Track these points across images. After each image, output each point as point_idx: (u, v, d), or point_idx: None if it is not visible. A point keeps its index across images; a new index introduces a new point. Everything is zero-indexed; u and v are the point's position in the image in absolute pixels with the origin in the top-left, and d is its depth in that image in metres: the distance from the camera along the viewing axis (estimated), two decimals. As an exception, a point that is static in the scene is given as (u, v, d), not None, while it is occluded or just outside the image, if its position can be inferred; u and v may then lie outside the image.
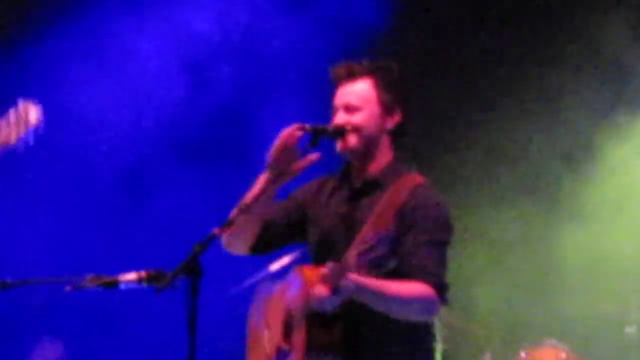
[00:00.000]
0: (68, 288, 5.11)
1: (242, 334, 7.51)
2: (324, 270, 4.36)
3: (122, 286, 4.92)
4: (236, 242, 4.95)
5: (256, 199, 4.64)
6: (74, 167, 8.23)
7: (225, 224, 4.60)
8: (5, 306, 7.03)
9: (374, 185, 4.76)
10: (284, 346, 4.80)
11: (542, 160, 8.50)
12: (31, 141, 5.45)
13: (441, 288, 4.56)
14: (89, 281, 4.96)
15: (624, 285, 8.11)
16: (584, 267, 8.16)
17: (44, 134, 5.74)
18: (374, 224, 4.50)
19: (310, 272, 4.63)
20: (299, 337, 4.68)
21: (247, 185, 5.33)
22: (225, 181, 8.13)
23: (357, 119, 4.78)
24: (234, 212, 4.71)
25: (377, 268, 4.49)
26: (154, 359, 7.74)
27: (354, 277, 4.38)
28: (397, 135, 4.82)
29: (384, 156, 4.83)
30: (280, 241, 5.07)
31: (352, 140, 4.73)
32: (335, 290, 4.39)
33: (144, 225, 8.15)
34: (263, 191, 4.68)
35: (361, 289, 4.42)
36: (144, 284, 4.86)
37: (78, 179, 8.24)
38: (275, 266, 7.03)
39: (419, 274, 4.52)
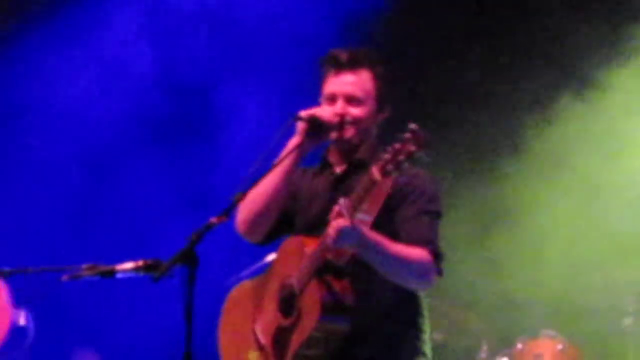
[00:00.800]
0: (64, 278, 5.13)
1: None
2: (336, 207, 4.37)
3: (119, 275, 4.89)
4: (259, 228, 4.95)
5: (290, 163, 4.69)
6: (41, 154, 8.29)
7: (223, 212, 4.54)
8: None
9: (358, 166, 4.77)
10: (285, 323, 4.73)
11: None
12: None
13: (437, 256, 4.60)
14: (85, 270, 4.96)
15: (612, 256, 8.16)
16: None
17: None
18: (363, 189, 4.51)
19: (306, 240, 4.66)
20: (310, 294, 4.63)
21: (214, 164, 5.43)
22: (192, 160, 8.24)
23: (358, 112, 4.80)
24: (235, 196, 4.56)
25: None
26: (150, 348, 7.76)
27: (365, 228, 4.41)
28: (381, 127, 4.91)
29: (369, 143, 4.86)
30: (279, 232, 5.05)
31: (350, 132, 4.77)
32: (351, 227, 4.36)
33: (111, 208, 8.23)
34: (297, 155, 4.71)
35: (368, 237, 4.44)
36: (141, 273, 4.84)
37: (45, 165, 8.29)
38: (271, 256, 6.97)
39: (417, 241, 4.58)
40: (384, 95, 4.90)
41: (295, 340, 4.71)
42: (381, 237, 4.54)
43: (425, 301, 4.97)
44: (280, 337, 4.79)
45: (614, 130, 8.33)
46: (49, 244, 8.03)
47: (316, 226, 4.74)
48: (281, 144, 4.91)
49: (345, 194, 4.57)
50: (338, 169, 4.90)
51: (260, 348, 4.89)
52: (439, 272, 4.68)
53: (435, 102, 8.98)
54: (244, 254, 7.02)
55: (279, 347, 4.85)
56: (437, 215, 4.71)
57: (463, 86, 8.82)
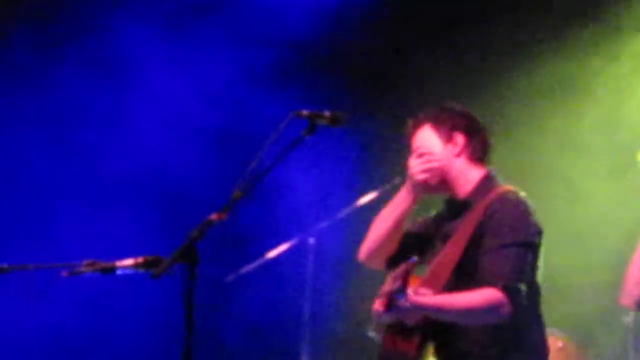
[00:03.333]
0: (65, 274, 5.22)
1: (238, 321, 8.01)
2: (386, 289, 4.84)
3: (119, 272, 4.87)
4: (381, 256, 5.37)
5: (404, 213, 5.26)
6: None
7: (223, 209, 4.66)
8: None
9: (462, 207, 5.11)
10: None
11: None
12: None
13: (509, 289, 4.78)
14: (86, 267, 4.91)
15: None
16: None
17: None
18: (453, 243, 4.92)
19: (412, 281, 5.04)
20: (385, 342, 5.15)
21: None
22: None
23: (424, 160, 5.25)
24: (235, 194, 4.74)
25: (470, 279, 4.86)
26: (151, 346, 7.85)
27: (413, 298, 4.72)
28: (473, 153, 5.21)
29: (468, 179, 5.19)
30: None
31: (426, 178, 5.25)
32: (389, 307, 4.79)
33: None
34: (411, 204, 5.27)
35: (418, 307, 4.76)
36: (141, 270, 4.81)
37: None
38: (272, 253, 7.28)
39: (487, 279, 4.79)
40: (445, 130, 5.29)
41: None
42: (441, 299, 4.85)
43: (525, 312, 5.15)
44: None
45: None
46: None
47: (423, 258, 5.24)
48: (281, 139, 4.99)
49: (441, 235, 5.10)
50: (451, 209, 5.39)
51: None
52: (514, 305, 4.82)
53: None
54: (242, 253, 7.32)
55: None
56: (519, 245, 4.88)
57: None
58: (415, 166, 5.31)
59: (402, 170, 6.73)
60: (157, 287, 5.00)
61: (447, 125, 5.37)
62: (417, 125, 5.41)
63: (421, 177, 5.29)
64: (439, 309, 4.90)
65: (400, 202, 5.50)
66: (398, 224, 5.44)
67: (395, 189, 6.59)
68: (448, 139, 5.27)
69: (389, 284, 4.92)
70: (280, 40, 9.02)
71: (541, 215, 5.56)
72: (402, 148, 6.88)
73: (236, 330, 8.17)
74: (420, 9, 8.94)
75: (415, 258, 4.78)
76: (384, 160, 8.40)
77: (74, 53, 8.75)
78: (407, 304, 4.79)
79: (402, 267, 4.83)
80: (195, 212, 7.74)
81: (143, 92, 8.79)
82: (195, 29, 9.05)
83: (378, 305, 4.96)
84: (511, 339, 4.98)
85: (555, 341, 7.36)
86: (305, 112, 4.77)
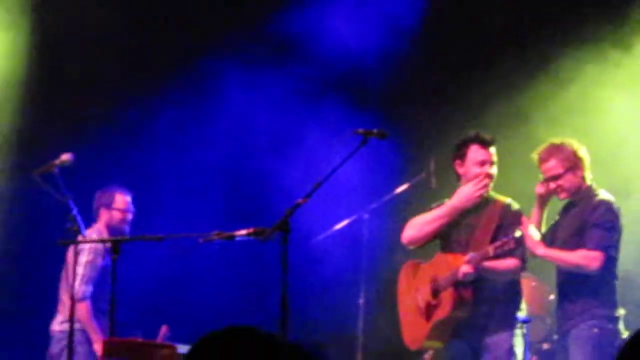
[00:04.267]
0: (201, 240, 6.71)
1: (320, 274, 9.32)
2: (467, 257, 6.83)
3: (237, 238, 6.39)
4: (420, 244, 7.35)
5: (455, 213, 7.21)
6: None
7: (306, 195, 6.13)
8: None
9: (488, 202, 7.19)
10: (433, 301, 7.17)
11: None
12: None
13: (525, 261, 7.05)
14: (215, 235, 6.53)
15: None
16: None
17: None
18: (487, 224, 7.10)
19: (452, 258, 7.07)
20: (447, 295, 7.05)
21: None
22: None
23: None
24: (315, 185, 6.22)
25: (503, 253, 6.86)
26: (256, 291, 9.29)
27: (485, 264, 6.87)
28: None
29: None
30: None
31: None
32: (475, 269, 6.82)
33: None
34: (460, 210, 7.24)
35: (486, 271, 6.88)
36: (251, 237, 6.29)
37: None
38: (339, 225, 8.74)
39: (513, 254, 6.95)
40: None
41: (436, 315, 7.17)
42: (494, 265, 6.94)
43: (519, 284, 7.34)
44: (428, 308, 7.26)
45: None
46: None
47: (458, 247, 7.24)
48: (346, 156, 6.44)
49: (475, 229, 7.18)
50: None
51: (418, 308, 7.35)
52: (524, 268, 7.10)
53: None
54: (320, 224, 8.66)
55: (427, 314, 7.29)
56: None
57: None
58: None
59: (426, 169, 8.42)
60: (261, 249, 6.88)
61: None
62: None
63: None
64: (489, 270, 6.98)
65: (462, 206, 7.28)
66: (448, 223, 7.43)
67: (421, 183, 8.45)
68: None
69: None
70: (339, 77, 10.03)
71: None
72: (428, 155, 8.56)
73: (312, 282, 9.34)
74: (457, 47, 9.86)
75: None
76: (415, 162, 9.45)
77: (186, 87, 10.05)
78: (475, 273, 6.88)
79: (472, 257, 6.88)
80: (258, 198, 8.99)
81: (228, 115, 10.02)
82: (271, 71, 9.98)
83: (466, 268, 6.89)
84: (515, 291, 7.26)
85: (529, 281, 8.60)
86: (360, 130, 6.37)
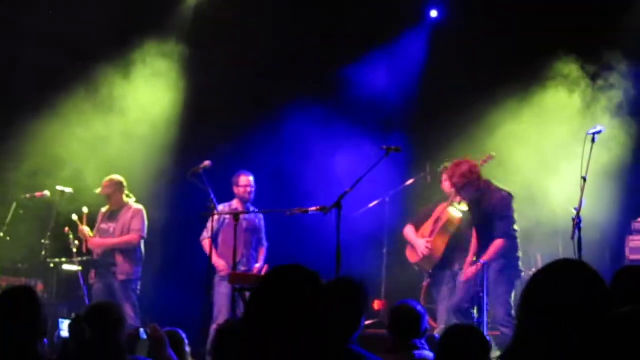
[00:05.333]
0: (287, 213, 9.17)
1: (359, 235, 10.46)
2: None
3: (310, 212, 8.80)
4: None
5: None
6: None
7: (352, 186, 8.28)
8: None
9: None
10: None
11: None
12: None
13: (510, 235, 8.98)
14: (296, 210, 9.05)
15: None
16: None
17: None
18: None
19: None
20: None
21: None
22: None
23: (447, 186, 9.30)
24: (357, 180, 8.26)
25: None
26: (321, 247, 9.64)
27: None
28: None
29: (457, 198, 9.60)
30: None
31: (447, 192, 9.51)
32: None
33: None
34: None
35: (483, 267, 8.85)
36: (318, 211, 8.63)
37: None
38: (370, 205, 10.68)
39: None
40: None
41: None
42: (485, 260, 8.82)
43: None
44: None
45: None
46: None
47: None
48: (375, 162, 8.30)
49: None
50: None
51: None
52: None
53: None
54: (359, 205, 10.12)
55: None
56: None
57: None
58: None
59: (425, 170, 10.27)
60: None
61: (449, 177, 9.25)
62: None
63: None
64: None
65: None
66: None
67: (422, 179, 10.54)
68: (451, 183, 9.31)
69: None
70: (371, 110, 12.06)
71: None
72: (427, 161, 10.28)
73: (354, 241, 10.04)
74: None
75: None
76: (418, 165, 11.42)
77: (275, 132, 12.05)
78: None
79: None
80: (316, 189, 11.07)
81: (307, 155, 11.93)
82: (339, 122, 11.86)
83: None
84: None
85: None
86: (384, 146, 8.57)
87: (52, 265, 10.58)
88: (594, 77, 10.80)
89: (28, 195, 10.92)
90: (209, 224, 10.20)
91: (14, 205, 10.79)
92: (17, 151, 11.73)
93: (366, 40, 12.17)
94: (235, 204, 10.69)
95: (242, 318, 3.53)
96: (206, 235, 10.36)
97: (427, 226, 9.73)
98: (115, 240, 10.73)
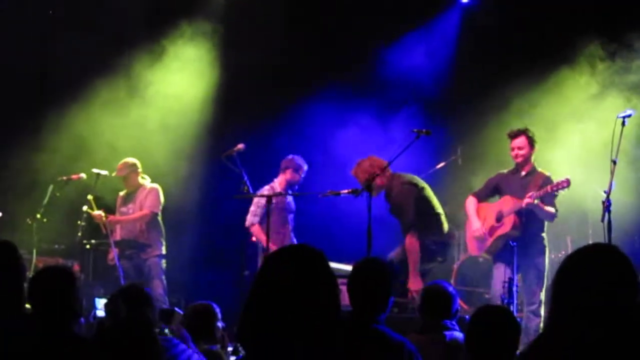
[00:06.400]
0: (321, 195, 9.30)
1: (393, 222, 9.78)
2: (530, 193, 8.73)
3: (342, 195, 9.03)
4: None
5: None
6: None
7: (382, 169, 8.59)
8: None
9: (530, 174, 9.05)
10: (496, 225, 9.15)
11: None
12: None
13: (557, 211, 8.93)
14: (329, 192, 9.18)
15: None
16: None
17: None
18: (532, 186, 8.83)
19: (514, 199, 8.97)
20: (509, 219, 8.95)
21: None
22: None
23: (523, 151, 9.08)
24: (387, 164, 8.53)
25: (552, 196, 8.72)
26: (352, 230, 9.83)
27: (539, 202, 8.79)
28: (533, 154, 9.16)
29: (530, 163, 9.12)
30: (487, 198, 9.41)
31: (520, 159, 9.09)
32: (533, 202, 8.75)
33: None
34: None
35: (539, 206, 8.85)
36: (350, 194, 8.86)
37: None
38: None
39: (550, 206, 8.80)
40: (532, 142, 9.12)
41: (499, 232, 9.09)
42: (541, 205, 8.78)
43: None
44: (491, 230, 9.20)
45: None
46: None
47: (514, 195, 9.07)
48: (407, 145, 8.25)
49: (526, 186, 8.84)
50: (522, 172, 9.15)
51: (484, 230, 9.32)
52: (556, 216, 8.92)
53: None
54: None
55: (490, 232, 9.21)
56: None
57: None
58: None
59: (456, 153, 10.30)
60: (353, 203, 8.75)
61: (531, 139, 9.14)
62: (518, 134, 9.09)
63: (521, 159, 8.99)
64: (539, 209, 8.76)
65: None
66: None
67: (453, 162, 10.58)
68: (532, 146, 9.16)
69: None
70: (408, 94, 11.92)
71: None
72: (457, 145, 10.36)
73: (389, 218, 9.68)
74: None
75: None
76: (450, 149, 11.61)
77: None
78: (532, 206, 8.65)
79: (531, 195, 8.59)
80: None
81: (338, 137, 11.98)
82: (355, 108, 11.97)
83: (529, 200, 8.67)
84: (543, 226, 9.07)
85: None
86: (415, 130, 8.56)
87: (87, 246, 10.68)
88: (626, 60, 10.72)
89: (64, 178, 10.99)
90: (255, 209, 10.35)
91: (51, 187, 10.87)
92: (54, 135, 11.87)
93: (397, 24, 12.23)
94: (278, 186, 10.66)
95: (251, 302, 3.44)
96: (254, 221, 10.40)
97: (490, 212, 9.44)
98: (129, 217, 10.92)
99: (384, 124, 11.73)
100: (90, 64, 11.82)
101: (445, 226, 9.40)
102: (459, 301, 6.22)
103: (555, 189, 8.67)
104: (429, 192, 9.35)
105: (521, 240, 8.86)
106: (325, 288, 3.29)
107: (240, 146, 10.00)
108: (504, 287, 8.53)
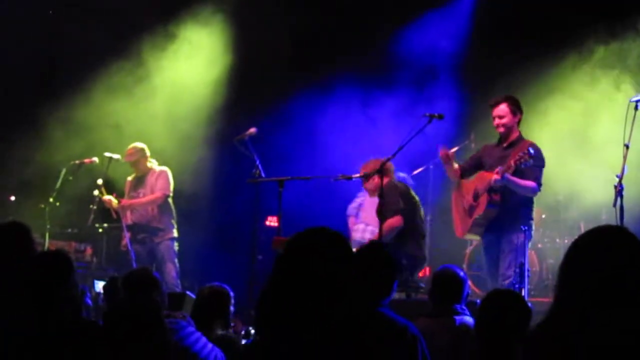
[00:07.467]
0: (332, 179, 9.13)
1: None
2: (497, 169, 8.10)
3: (353, 179, 8.99)
4: (453, 177, 8.85)
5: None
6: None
7: (394, 154, 8.27)
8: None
9: (512, 145, 8.45)
10: (474, 204, 8.60)
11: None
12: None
13: (540, 185, 8.29)
14: (341, 177, 9.04)
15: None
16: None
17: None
18: (513, 157, 8.12)
19: (488, 174, 8.34)
20: (483, 198, 8.39)
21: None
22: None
23: (504, 120, 8.48)
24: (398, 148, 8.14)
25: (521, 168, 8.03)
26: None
27: (508, 175, 8.10)
28: (518, 122, 8.57)
29: (515, 133, 8.51)
30: (475, 170, 8.81)
31: (502, 129, 8.47)
32: (501, 178, 8.11)
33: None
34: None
35: (509, 181, 8.15)
36: (360, 178, 9.05)
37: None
38: (416, 171, 10.49)
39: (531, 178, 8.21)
40: (515, 108, 8.49)
41: (475, 213, 8.55)
42: (516, 179, 8.12)
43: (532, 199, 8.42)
44: (470, 209, 8.66)
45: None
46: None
47: (493, 165, 8.49)
48: (419, 129, 8.09)
49: (506, 155, 8.24)
50: (505, 144, 8.55)
51: (464, 210, 8.77)
52: (538, 189, 8.25)
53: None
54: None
55: (470, 213, 8.66)
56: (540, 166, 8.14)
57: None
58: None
59: (469, 138, 10.19)
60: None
61: (515, 105, 8.49)
62: (498, 102, 8.50)
63: (502, 129, 8.39)
64: (516, 183, 8.16)
65: None
66: None
67: (466, 146, 10.36)
68: (515, 113, 8.54)
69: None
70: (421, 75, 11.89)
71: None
72: (471, 129, 10.21)
73: None
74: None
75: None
76: (463, 133, 11.48)
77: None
78: (506, 177, 7.99)
79: (500, 169, 7.92)
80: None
81: (351, 121, 11.98)
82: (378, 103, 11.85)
83: (495, 177, 8.02)
84: (529, 203, 8.51)
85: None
86: (427, 114, 8.36)
87: (100, 230, 10.71)
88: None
89: (77, 162, 11.02)
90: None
91: (64, 171, 10.90)
92: (66, 119, 11.88)
93: (411, 6, 12.20)
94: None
95: (270, 285, 3.42)
96: (350, 213, 10.10)
97: (469, 190, 9.06)
98: (142, 200, 10.90)
99: (396, 108, 11.68)
100: (101, 50, 11.89)
101: (424, 249, 9.17)
102: (471, 285, 6.16)
103: (517, 162, 8.17)
104: (421, 210, 9.20)
105: (499, 215, 8.51)
106: (345, 272, 3.33)
107: (253, 130, 9.87)
108: (514, 271, 8.23)
